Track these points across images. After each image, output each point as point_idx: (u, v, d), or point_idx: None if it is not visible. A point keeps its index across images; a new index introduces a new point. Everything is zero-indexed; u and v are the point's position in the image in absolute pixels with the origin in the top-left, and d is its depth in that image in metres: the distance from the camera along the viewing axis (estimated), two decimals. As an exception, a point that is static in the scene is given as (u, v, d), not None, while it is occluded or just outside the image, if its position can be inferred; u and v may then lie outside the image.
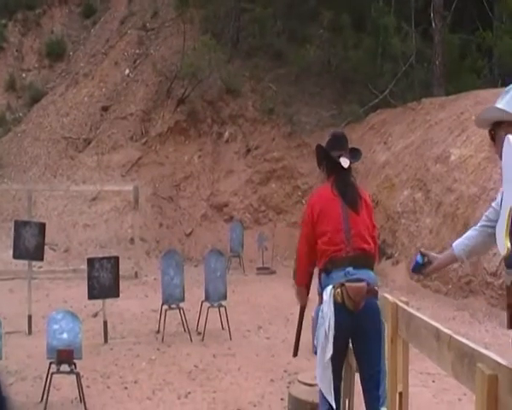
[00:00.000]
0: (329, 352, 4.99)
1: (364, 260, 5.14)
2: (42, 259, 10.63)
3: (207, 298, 10.43)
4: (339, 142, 5.49)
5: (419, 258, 4.68)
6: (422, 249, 4.95)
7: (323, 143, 5.59)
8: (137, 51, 22.84)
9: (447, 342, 2.87)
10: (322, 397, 5.24)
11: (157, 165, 19.74)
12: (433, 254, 4.79)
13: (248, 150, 20.30)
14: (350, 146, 5.61)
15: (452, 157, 14.97)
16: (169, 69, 21.45)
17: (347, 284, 4.97)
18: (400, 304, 3.85)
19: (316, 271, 5.44)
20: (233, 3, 22.60)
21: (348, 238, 5.10)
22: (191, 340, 10.01)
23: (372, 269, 5.20)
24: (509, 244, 2.71)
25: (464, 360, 2.64)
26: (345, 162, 5.27)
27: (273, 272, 16.42)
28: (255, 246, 17.02)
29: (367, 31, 21.38)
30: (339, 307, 4.97)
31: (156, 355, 9.30)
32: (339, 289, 5.00)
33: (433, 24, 20.77)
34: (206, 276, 10.55)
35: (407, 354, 3.78)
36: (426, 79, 20.83)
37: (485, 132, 13.11)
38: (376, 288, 5.05)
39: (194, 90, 20.63)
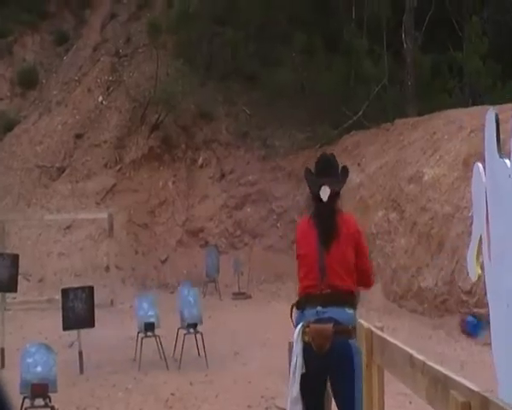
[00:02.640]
0: (295, 391, 4.84)
1: (337, 298, 4.93)
2: (15, 290, 10.52)
3: (183, 325, 10.36)
4: (323, 167, 5.34)
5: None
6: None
7: (311, 167, 5.48)
8: (110, 78, 22.79)
9: (421, 368, 2.87)
10: None
11: (131, 192, 19.66)
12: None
13: (223, 175, 20.29)
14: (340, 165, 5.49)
15: (426, 177, 15.06)
16: (142, 95, 21.42)
17: (311, 325, 4.85)
18: (374, 330, 3.84)
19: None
20: (205, 28, 22.63)
21: (322, 275, 4.95)
22: (168, 368, 9.93)
23: (348, 306, 4.97)
24: (479, 270, 2.72)
25: (438, 386, 2.64)
26: (324, 194, 5.12)
27: (249, 297, 16.38)
28: (231, 271, 16.96)
29: (339, 53, 21.49)
30: (306, 347, 4.85)
31: (133, 384, 9.21)
32: (307, 329, 4.87)
33: (405, 45, 20.98)
34: (181, 303, 10.49)
35: (382, 380, 3.77)
36: (398, 100, 20.98)
37: (458, 151, 13.19)
38: (350, 327, 4.77)
39: (167, 115, 20.62)
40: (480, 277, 2.70)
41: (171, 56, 22.16)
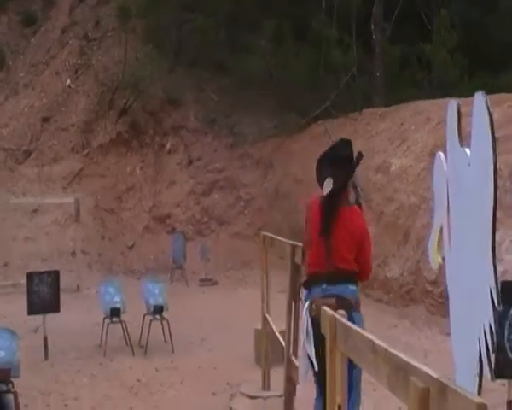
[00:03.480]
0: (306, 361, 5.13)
1: (340, 276, 5.17)
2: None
3: (149, 311, 10.37)
4: (331, 155, 5.42)
5: None
6: None
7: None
8: (79, 61, 22.61)
9: (383, 355, 2.90)
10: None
11: (99, 177, 19.55)
12: None
13: (190, 161, 20.26)
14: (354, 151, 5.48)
15: (393, 167, 15.16)
16: (111, 79, 21.28)
17: (317, 300, 5.07)
18: (338, 317, 3.88)
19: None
20: (175, 14, 22.53)
21: (328, 255, 5.18)
22: (133, 354, 9.93)
23: (352, 283, 5.19)
24: (440, 259, 2.77)
25: (399, 373, 2.67)
26: (327, 188, 5.21)
27: (216, 284, 16.41)
28: (198, 257, 16.97)
29: (308, 42, 21.52)
30: (314, 321, 5.02)
31: (98, 370, 9.20)
32: (313, 305, 5.11)
33: (374, 36, 21.08)
34: (146, 294, 10.50)
35: (345, 368, 3.82)
36: (367, 90, 21.08)
37: (425, 142, 13.30)
38: (353, 301, 5.08)
39: (135, 100, 20.53)
40: (440, 265, 2.76)
41: (140, 41, 22.04)
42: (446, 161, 2.68)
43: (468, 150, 2.41)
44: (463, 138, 2.51)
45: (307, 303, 5.21)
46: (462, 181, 2.47)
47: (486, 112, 2.21)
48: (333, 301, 4.98)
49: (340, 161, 5.29)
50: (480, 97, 2.24)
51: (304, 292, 5.44)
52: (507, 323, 5.40)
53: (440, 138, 14.26)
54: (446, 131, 2.67)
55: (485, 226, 2.24)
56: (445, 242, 2.68)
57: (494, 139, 2.21)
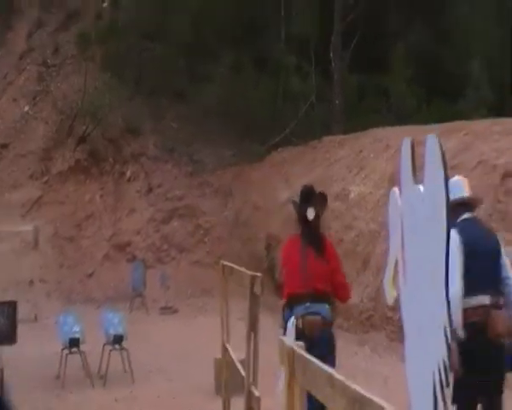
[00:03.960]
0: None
1: (320, 297, 6.05)
2: None
3: (108, 341, 10.29)
4: (307, 195, 6.38)
5: None
6: None
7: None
8: (37, 88, 22.49)
9: (340, 388, 2.92)
10: None
11: (58, 204, 19.40)
12: None
13: (150, 189, 20.22)
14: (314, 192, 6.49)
15: (352, 194, 15.31)
16: (70, 107, 21.20)
17: (305, 317, 5.99)
18: (296, 349, 3.90)
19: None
20: (134, 42, 22.56)
21: (306, 278, 6.02)
22: (93, 385, 9.84)
23: (328, 303, 6.13)
24: (395, 293, 2.82)
25: (355, 406, 2.70)
26: (310, 214, 6.19)
27: (176, 311, 16.35)
28: (158, 285, 16.90)
29: (268, 70, 21.69)
30: (298, 335, 5.73)
31: (56, 403, 9.10)
32: (300, 320, 5.99)
33: (333, 64, 21.33)
34: (106, 324, 10.42)
35: (304, 401, 3.83)
36: (326, 118, 21.29)
37: (384, 170, 13.47)
38: (330, 321, 6.12)
39: (95, 128, 20.47)
40: (395, 300, 2.81)
41: (99, 69, 22.03)
42: (400, 196, 2.74)
43: (421, 187, 2.46)
44: (418, 174, 2.57)
45: (292, 319, 6.00)
46: (415, 217, 2.52)
47: (439, 152, 2.27)
48: (319, 318, 6.00)
49: (315, 198, 6.38)
50: (432, 137, 2.30)
51: (286, 311, 6.16)
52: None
53: (399, 166, 14.45)
54: (400, 167, 2.73)
55: (438, 263, 2.29)
56: (400, 277, 2.73)
57: (447, 177, 2.27)
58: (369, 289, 13.22)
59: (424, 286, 2.40)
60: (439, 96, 20.28)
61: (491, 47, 20.74)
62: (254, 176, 19.62)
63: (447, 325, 2.24)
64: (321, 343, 5.79)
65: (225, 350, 8.26)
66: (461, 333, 5.21)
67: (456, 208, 5.51)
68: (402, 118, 19.98)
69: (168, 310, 16.33)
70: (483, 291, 5.40)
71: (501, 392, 5.46)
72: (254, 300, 6.43)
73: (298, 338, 5.42)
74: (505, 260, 5.71)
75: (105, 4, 24.78)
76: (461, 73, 19.44)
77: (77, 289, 17.89)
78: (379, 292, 12.83)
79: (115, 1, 24.22)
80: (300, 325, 5.95)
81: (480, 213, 11.76)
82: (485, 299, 5.42)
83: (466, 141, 13.51)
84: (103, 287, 17.89)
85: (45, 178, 19.97)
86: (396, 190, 2.83)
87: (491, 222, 11.56)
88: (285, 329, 6.11)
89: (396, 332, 12.16)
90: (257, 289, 6.34)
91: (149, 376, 10.51)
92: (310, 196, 6.36)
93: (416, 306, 2.53)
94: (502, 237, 11.25)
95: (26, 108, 21.81)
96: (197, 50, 21.83)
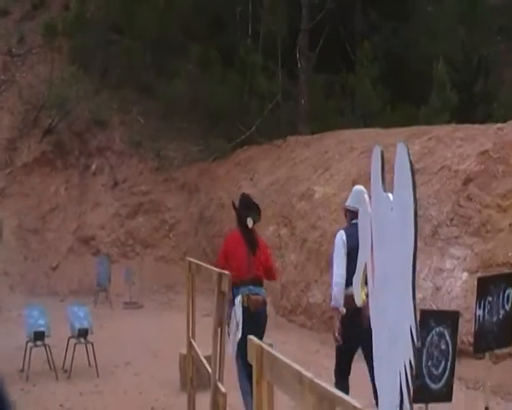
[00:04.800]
0: (239, 334, 7.49)
1: (259, 282, 7.93)
2: None
3: (73, 334, 10.32)
4: (247, 204, 8.23)
5: None
6: None
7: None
8: (2, 77, 22.26)
9: (308, 385, 3.04)
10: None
11: (22, 196, 19.26)
12: None
13: (116, 183, 20.19)
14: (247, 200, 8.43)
15: (316, 195, 15.48)
16: (36, 98, 21.02)
17: (250, 296, 7.73)
18: (265, 347, 4.02)
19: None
20: (102, 34, 22.50)
21: (250, 267, 7.87)
22: (57, 378, 9.87)
23: (263, 287, 8.04)
24: (364, 296, 2.96)
25: (324, 404, 2.82)
26: (250, 223, 7.99)
27: (140, 307, 16.35)
28: (122, 280, 16.88)
29: (234, 67, 21.77)
30: (245, 311, 7.62)
31: (20, 395, 9.08)
32: (245, 298, 7.71)
33: (299, 64, 21.48)
34: (71, 317, 10.46)
35: (272, 396, 3.94)
36: (291, 118, 21.43)
37: (348, 171, 13.70)
38: (266, 299, 8.04)
39: (61, 120, 20.36)
40: (364, 302, 2.95)
41: (66, 60, 21.86)
42: (370, 203, 2.88)
43: (390, 195, 2.61)
44: (387, 182, 2.71)
45: (239, 297, 7.66)
46: (385, 224, 2.67)
47: (407, 161, 2.41)
48: (261, 297, 7.86)
49: (254, 207, 8.22)
50: (401, 147, 2.44)
51: (234, 290, 7.51)
52: (424, 350, 5.66)
53: (363, 168, 14.66)
54: (371, 175, 2.87)
55: (406, 267, 2.44)
56: (368, 280, 2.87)
57: (415, 187, 2.41)
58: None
59: (392, 290, 2.55)
60: (404, 98, 20.55)
61: (456, 49, 21.03)
62: (219, 172, 19.72)
63: (413, 327, 2.39)
64: (261, 317, 7.77)
65: (191, 346, 8.37)
66: (342, 310, 7.01)
67: (349, 214, 7.37)
68: (367, 119, 20.23)
69: (133, 305, 16.34)
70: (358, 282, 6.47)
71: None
72: (221, 297, 6.56)
73: (243, 311, 7.56)
74: None
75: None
76: (426, 74, 19.69)
77: (41, 282, 17.82)
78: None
79: (83, -8, 24.09)
80: (245, 303, 7.65)
81: (442, 217, 12.04)
82: (358, 289, 6.37)
83: (429, 146, 13.76)
84: (67, 281, 17.86)
85: (9, 170, 19.80)
86: (366, 196, 2.97)
87: (452, 226, 11.85)
88: (232, 303, 7.61)
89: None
90: (224, 287, 6.48)
91: (115, 370, 10.57)
92: (249, 205, 8.21)
93: (384, 308, 2.68)
94: (463, 241, 11.55)
95: (-9, 98, 21.61)
96: (164, 45, 21.84)
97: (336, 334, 7.11)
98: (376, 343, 2.79)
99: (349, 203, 7.41)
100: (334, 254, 7.30)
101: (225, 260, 7.94)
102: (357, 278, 3.04)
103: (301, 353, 10.59)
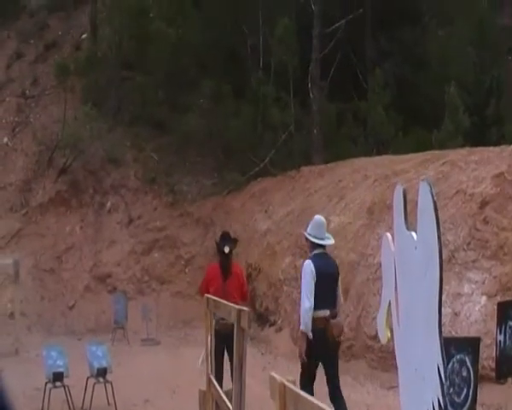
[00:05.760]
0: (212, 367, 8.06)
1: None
2: None
3: (92, 374, 10.27)
4: (225, 238, 9.96)
5: None
6: None
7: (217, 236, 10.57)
8: (16, 119, 22.48)
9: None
10: None
11: (38, 236, 19.34)
12: None
13: (131, 220, 20.22)
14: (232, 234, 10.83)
15: (332, 224, 15.40)
16: (50, 138, 21.19)
17: (220, 321, 8.11)
18: (287, 384, 3.97)
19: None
20: (114, 72, 22.66)
21: (224, 293, 8.75)
22: (77, 419, 9.81)
23: None
24: (389, 334, 2.91)
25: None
26: (226, 250, 9.60)
27: (158, 343, 16.26)
28: (139, 317, 16.79)
29: (247, 100, 21.84)
30: (215, 332, 8.01)
31: (41, 437, 9.05)
32: (218, 323, 8.19)
33: (311, 94, 21.50)
34: (90, 357, 10.40)
35: (295, 435, 3.88)
36: (305, 148, 21.42)
37: (363, 199, 13.64)
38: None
39: (75, 159, 20.48)
40: (389, 340, 2.90)
41: (79, 100, 22.07)
42: (394, 241, 2.84)
43: (414, 234, 2.56)
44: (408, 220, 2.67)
45: (214, 322, 8.03)
46: (408, 263, 2.62)
47: (431, 200, 2.37)
48: (228, 322, 7.55)
49: (230, 239, 9.99)
50: (425, 185, 2.40)
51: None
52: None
53: (378, 195, 14.62)
54: (393, 214, 2.83)
55: (431, 306, 2.39)
56: (393, 318, 2.83)
57: (439, 226, 2.37)
58: (350, 319, 13.29)
59: (418, 328, 2.50)
60: (416, 124, 20.53)
61: (468, 72, 21.03)
62: (234, 205, 19.71)
63: (440, 365, 2.34)
64: (229, 339, 7.41)
65: (210, 382, 8.30)
66: (310, 335, 7.95)
67: (313, 245, 8.35)
68: (380, 146, 20.22)
69: (150, 342, 16.25)
70: (324, 307, 8.07)
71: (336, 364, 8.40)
72: (241, 334, 6.50)
73: (216, 334, 8.01)
74: (339, 282, 8.54)
75: (84, 36, 24.90)
76: (438, 98, 19.68)
77: (58, 321, 17.80)
78: (359, 321, 12.94)
79: (94, 32, 24.33)
80: (216, 326, 8.13)
81: (459, 241, 11.96)
82: (326, 312, 8.10)
83: (444, 170, 13.71)
84: (84, 319, 17.83)
85: (25, 210, 19.92)
86: (388, 235, 2.93)
87: (469, 250, 11.75)
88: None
89: (377, 360, 12.25)
90: (244, 324, 6.42)
91: (133, 408, 10.51)
92: (226, 237, 9.99)
93: (409, 347, 2.63)
94: (480, 265, 11.45)
95: (6, 140, 21.78)
96: (176, 80, 21.95)
97: (303, 355, 8.06)
98: (402, 384, 2.73)
99: (312, 234, 8.37)
100: (304, 283, 8.14)
101: (206, 287, 9.45)
102: (382, 316, 2.99)
103: (320, 384, 10.46)
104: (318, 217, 8.73)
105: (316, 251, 8.35)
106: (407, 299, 2.66)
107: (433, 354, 2.36)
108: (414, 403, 2.59)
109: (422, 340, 2.46)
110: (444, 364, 2.32)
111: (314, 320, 8.00)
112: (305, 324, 8.00)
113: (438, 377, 2.33)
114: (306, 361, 8.16)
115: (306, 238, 8.53)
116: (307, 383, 8.12)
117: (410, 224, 2.67)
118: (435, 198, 2.40)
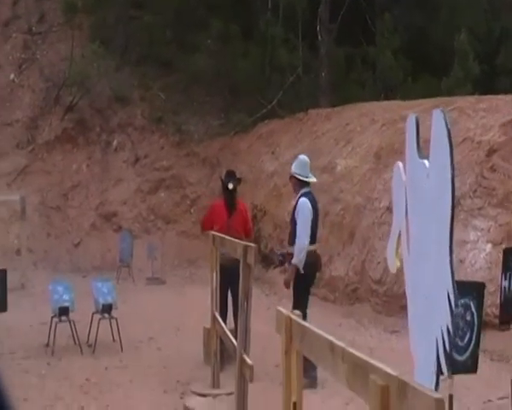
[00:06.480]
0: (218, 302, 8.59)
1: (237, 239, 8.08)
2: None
3: (97, 309, 10.35)
4: (229, 174, 10.06)
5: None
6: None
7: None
8: (23, 56, 22.30)
9: (341, 354, 3.01)
10: None
11: (44, 173, 19.36)
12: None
13: (137, 159, 20.20)
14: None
15: (338, 168, 15.40)
16: (57, 76, 21.05)
17: (224, 255, 8.24)
18: (294, 317, 4.00)
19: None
20: (122, 11, 22.43)
21: (229, 229, 9.03)
22: (82, 353, 9.92)
23: None
24: (398, 263, 2.91)
25: (357, 372, 2.79)
26: (230, 186, 9.73)
27: (163, 282, 16.35)
28: (144, 256, 16.87)
29: (255, 41, 21.66)
30: (220, 266, 8.32)
31: (47, 370, 9.17)
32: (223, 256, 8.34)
33: (320, 37, 21.31)
34: (95, 293, 10.48)
35: (301, 366, 3.94)
36: (312, 90, 21.30)
37: (370, 144, 13.65)
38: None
39: (82, 97, 20.38)
40: (398, 269, 2.90)
41: (86, 37, 21.85)
42: (405, 170, 2.82)
43: (426, 162, 2.55)
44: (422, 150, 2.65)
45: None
46: (420, 191, 2.61)
47: (445, 127, 2.35)
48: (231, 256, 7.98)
49: (234, 176, 9.97)
50: (438, 113, 2.38)
51: None
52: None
53: (385, 140, 14.57)
54: (406, 143, 2.81)
55: (443, 233, 2.39)
56: (403, 247, 2.82)
57: (452, 153, 2.35)
58: (355, 262, 13.36)
59: (429, 255, 2.50)
60: (426, 70, 20.36)
61: (478, 19, 20.78)
62: (241, 146, 19.67)
63: (450, 292, 2.34)
64: (233, 272, 7.57)
65: (215, 320, 8.39)
66: (301, 270, 8.50)
67: (300, 182, 8.78)
68: (388, 91, 20.08)
69: (155, 281, 16.35)
70: (314, 241, 8.73)
71: None
72: (247, 269, 6.55)
73: (220, 267, 8.30)
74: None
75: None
76: (447, 45, 19.47)
77: (64, 258, 17.89)
78: (364, 265, 13.00)
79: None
80: (221, 261, 8.32)
81: (465, 188, 11.94)
82: (315, 246, 8.85)
83: (452, 117, 13.61)
84: (90, 257, 17.92)
85: (31, 147, 19.90)
86: (400, 164, 2.92)
87: (476, 198, 11.74)
88: None
89: (381, 305, 12.33)
90: (250, 260, 6.46)
91: (138, 345, 10.60)
92: (231, 175, 9.99)
93: (420, 275, 2.63)
94: (486, 212, 11.45)
95: (12, 76, 21.66)
96: (184, 20, 21.75)
97: (289, 285, 8.78)
98: (412, 312, 2.75)
99: (298, 173, 8.81)
100: (304, 220, 8.55)
101: (210, 223, 9.70)
102: (392, 246, 2.99)
103: (324, 326, 10.50)
104: (303, 156, 9.24)
105: (304, 189, 8.82)
106: (418, 226, 2.65)
107: (444, 281, 2.36)
108: (423, 331, 2.60)
109: (433, 267, 2.46)
110: (454, 291, 2.32)
111: (307, 254, 8.56)
112: (300, 259, 8.50)
113: (447, 304, 2.34)
114: (302, 291, 8.69)
115: (292, 177, 8.97)
116: (305, 306, 8.57)
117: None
118: (449, 126, 2.38)
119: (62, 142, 20.00)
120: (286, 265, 9.33)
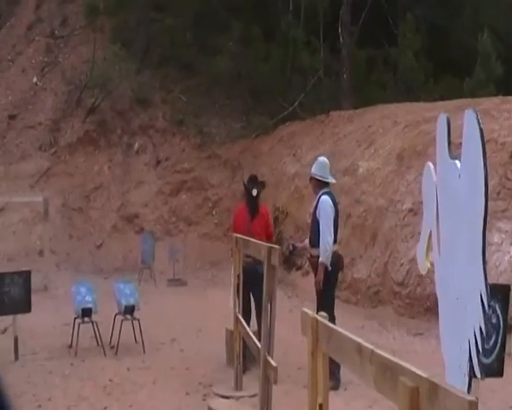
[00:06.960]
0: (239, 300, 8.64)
1: None
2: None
3: (120, 310, 10.38)
4: (253, 180, 10.04)
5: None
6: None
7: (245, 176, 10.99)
8: (46, 59, 22.46)
9: (369, 356, 2.99)
10: None
11: (67, 175, 19.46)
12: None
13: (158, 161, 20.26)
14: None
15: (360, 170, 15.33)
16: (79, 78, 21.21)
17: (245, 258, 8.53)
18: (320, 319, 3.98)
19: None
20: (143, 13, 22.51)
21: (250, 232, 8.98)
22: (105, 354, 9.94)
23: None
24: (429, 264, 2.88)
25: (386, 374, 2.76)
26: (254, 192, 9.72)
27: (184, 284, 16.38)
28: (166, 258, 16.90)
29: (276, 43, 21.65)
30: (242, 269, 8.46)
31: (70, 370, 9.20)
32: (245, 259, 8.53)
33: (341, 39, 21.27)
34: (118, 294, 10.50)
35: (327, 368, 3.92)
36: (334, 92, 21.26)
37: (392, 145, 13.56)
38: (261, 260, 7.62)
39: (104, 99, 20.48)
40: (428, 270, 2.87)
41: (108, 40, 21.96)
42: (436, 171, 2.79)
43: (458, 162, 2.52)
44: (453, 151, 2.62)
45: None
46: (452, 191, 2.58)
47: (477, 127, 2.32)
48: (251, 259, 8.41)
49: (258, 182, 9.99)
50: (470, 113, 2.36)
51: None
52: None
53: (407, 142, 14.49)
54: (436, 143, 2.78)
55: (476, 234, 2.36)
56: (434, 248, 2.79)
57: (485, 153, 2.32)
58: (377, 264, 13.29)
59: (461, 257, 2.47)
60: (447, 71, 20.26)
61: (501, 19, 20.63)
62: (262, 149, 19.65)
63: (483, 293, 2.31)
64: (255, 274, 8.02)
65: (238, 321, 8.38)
66: (329, 267, 8.52)
67: (320, 184, 8.84)
68: (410, 92, 19.98)
69: (176, 282, 16.37)
70: (335, 241, 8.77)
71: None
72: (271, 271, 6.53)
73: (243, 271, 8.42)
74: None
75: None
76: (470, 46, 19.36)
77: (86, 260, 17.97)
78: (386, 267, 12.92)
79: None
80: (243, 264, 8.47)
81: (489, 190, 11.85)
82: (337, 246, 8.88)
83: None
84: (112, 258, 17.97)
85: (54, 150, 20.01)
86: (430, 164, 2.89)
87: (499, 200, 11.64)
88: None
89: (403, 307, 12.26)
90: (274, 261, 6.44)
91: (160, 347, 10.61)
92: (254, 181, 10.00)
93: (451, 276, 2.60)
94: (510, 214, 11.35)
95: (35, 79, 21.81)
96: (206, 22, 21.79)
97: (321, 284, 8.55)
98: (442, 313, 2.72)
99: (319, 174, 8.87)
100: (326, 219, 8.62)
101: (234, 228, 9.86)
102: (422, 247, 2.96)
103: (346, 328, 10.48)
104: (322, 158, 9.26)
105: (324, 190, 8.88)
106: (450, 227, 2.62)
107: (476, 282, 2.34)
108: (455, 333, 2.57)
109: (465, 268, 2.43)
110: (487, 291, 2.29)
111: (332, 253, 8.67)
112: (327, 256, 8.55)
113: (480, 305, 2.31)
114: (328, 292, 8.67)
115: (312, 178, 9.05)
116: (331, 312, 8.36)
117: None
118: (481, 125, 2.35)
119: (84, 144, 20.10)
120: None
